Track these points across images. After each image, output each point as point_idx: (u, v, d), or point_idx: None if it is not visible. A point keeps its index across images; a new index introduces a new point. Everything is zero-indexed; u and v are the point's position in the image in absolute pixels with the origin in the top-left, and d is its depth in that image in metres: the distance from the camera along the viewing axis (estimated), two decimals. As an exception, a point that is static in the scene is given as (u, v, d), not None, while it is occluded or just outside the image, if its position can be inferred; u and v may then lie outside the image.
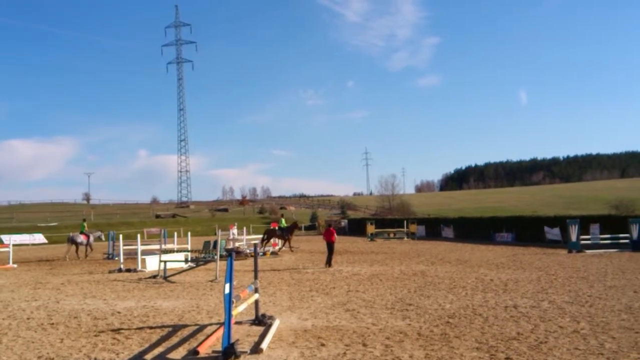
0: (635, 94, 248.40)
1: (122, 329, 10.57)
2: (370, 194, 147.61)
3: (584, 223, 29.40)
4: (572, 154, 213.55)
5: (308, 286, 16.47)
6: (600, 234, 28.75)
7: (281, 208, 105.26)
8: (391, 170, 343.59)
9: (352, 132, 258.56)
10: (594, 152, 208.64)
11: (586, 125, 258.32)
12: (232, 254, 9.25)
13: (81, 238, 31.61)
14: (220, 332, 8.92)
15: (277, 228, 33.97)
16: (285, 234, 32.54)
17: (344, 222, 67.53)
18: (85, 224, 33.72)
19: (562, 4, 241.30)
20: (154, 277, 19.97)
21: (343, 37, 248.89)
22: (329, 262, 22.75)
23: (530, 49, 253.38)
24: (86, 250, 31.86)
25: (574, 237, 27.50)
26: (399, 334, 9.54)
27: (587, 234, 28.71)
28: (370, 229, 47.94)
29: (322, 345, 8.84)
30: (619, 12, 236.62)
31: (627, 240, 27.76)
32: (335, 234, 23.54)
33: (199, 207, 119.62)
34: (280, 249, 32.86)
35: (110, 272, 22.41)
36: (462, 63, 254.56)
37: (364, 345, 8.78)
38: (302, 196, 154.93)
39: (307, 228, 72.48)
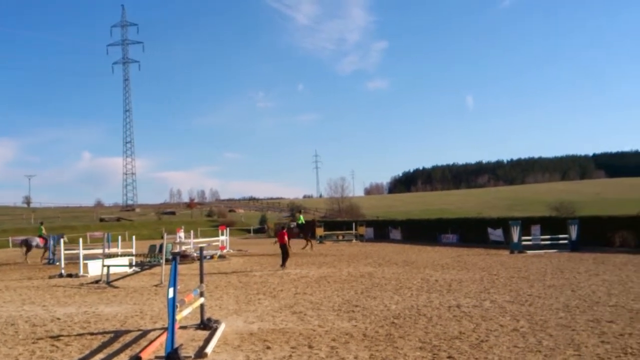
0: (575, 100, 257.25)
1: (61, 335, 10.30)
2: (320, 196, 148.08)
3: (526, 224, 30.27)
4: (515, 158, 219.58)
5: (255, 289, 16.42)
6: (541, 235, 29.66)
7: (230, 211, 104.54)
8: (341, 173, 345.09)
9: (302, 134, 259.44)
10: (536, 156, 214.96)
11: (529, 130, 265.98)
12: (176, 258, 9.16)
13: (37, 241, 30.63)
14: (164, 337, 8.79)
15: (295, 225, 34.28)
16: (304, 231, 32.87)
17: (293, 225, 67.48)
18: (43, 227, 32.66)
19: (510, 9, 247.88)
20: (97, 282, 19.49)
21: (294, 39, 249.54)
22: (284, 263, 22.80)
23: (476, 54, 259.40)
24: (43, 254, 30.83)
25: (515, 238, 28.28)
26: (344, 335, 9.63)
27: (529, 235, 29.56)
28: (319, 231, 48.03)
29: (268, 348, 8.84)
30: (566, 19, 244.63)
31: (566, 241, 28.71)
32: (287, 236, 23.60)
33: (145, 210, 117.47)
34: (304, 247, 33.24)
35: (50, 277, 21.78)
36: (410, 67, 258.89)
37: (310, 347, 8.83)
38: (252, 199, 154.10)
39: (256, 231, 72.21)
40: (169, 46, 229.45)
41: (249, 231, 72.94)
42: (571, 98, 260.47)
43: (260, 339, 9.48)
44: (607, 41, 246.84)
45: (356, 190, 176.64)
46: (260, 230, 72.01)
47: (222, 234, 35.25)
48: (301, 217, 35.73)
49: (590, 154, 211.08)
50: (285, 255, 22.95)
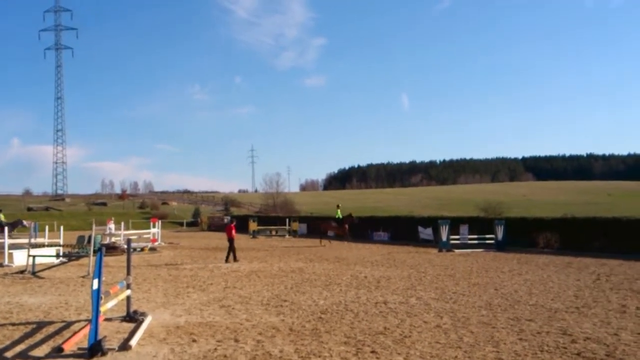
0: (505, 104, 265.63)
1: (-22, 327, 9.87)
2: (256, 191, 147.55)
3: (455, 224, 31.03)
4: (448, 158, 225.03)
5: (185, 282, 16.20)
6: (469, 234, 30.49)
7: (163, 203, 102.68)
8: (277, 168, 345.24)
9: (238, 128, 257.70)
10: (468, 157, 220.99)
11: (462, 131, 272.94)
12: (102, 249, 8.95)
13: None
14: (88, 329, 8.57)
15: (333, 219, 34.14)
16: (341, 225, 32.69)
17: (226, 219, 66.93)
18: (2, 214, 30.99)
19: (447, 10, 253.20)
20: (22, 272, 18.83)
21: (232, 33, 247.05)
22: (228, 258, 22.70)
23: (413, 54, 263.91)
24: None
25: (444, 237, 28.97)
26: (271, 329, 9.63)
27: (457, 234, 30.35)
28: (253, 226, 47.87)
29: (194, 341, 8.76)
30: (502, 22, 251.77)
31: (492, 241, 29.64)
32: (234, 231, 23.55)
33: (76, 200, 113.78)
34: (345, 239, 33.69)
35: (-31, 267, 20.82)
36: (348, 65, 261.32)
37: (236, 340, 8.79)
38: (186, 192, 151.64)
39: (189, 224, 71.20)
40: (105, 34, 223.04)
41: (181, 224, 71.82)
42: (501, 101, 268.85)
43: (187, 332, 9.37)
44: (536, 44, 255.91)
45: (292, 186, 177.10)
46: (194, 224, 71.03)
47: (154, 227, 34.65)
48: (339, 211, 35.41)
49: (520, 157, 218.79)
50: (232, 250, 22.86)
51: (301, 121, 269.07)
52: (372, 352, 8.10)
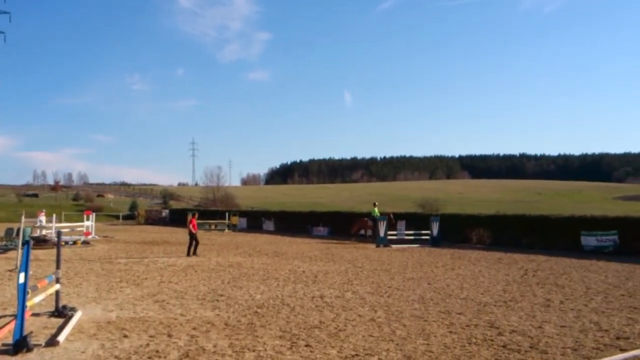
0: (443, 103, 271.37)
1: None
2: (196, 184, 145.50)
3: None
4: (388, 155, 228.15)
5: (118, 277, 15.87)
6: (406, 230, 31.11)
7: (98, 196, 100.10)
8: (218, 162, 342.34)
9: (179, 120, 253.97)
10: (407, 155, 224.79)
11: (402, 129, 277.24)
12: (29, 242, 8.68)
13: None
14: (13, 324, 8.30)
15: (370, 218, 32.91)
16: (377, 224, 31.63)
17: (165, 212, 65.88)
18: None
19: (390, 10, 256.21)
20: (-58, 266, 18.01)
21: (174, 23, 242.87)
22: (192, 252, 22.58)
23: (356, 52, 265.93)
24: None
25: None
26: (206, 324, 9.58)
27: (395, 229, 30.89)
28: (192, 220, 47.27)
29: (125, 336, 8.61)
30: (440, 23, 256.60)
31: (428, 237, 30.33)
32: (194, 225, 23.40)
33: (5, 191, 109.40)
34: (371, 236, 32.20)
35: None
36: (292, 60, 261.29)
37: (169, 335, 8.69)
38: (123, 184, 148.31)
39: (125, 217, 69.71)
40: (40, 19, 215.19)
41: (118, 217, 70.22)
42: (440, 100, 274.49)
43: (118, 328, 9.20)
44: (471, 45, 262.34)
45: (233, 180, 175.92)
46: (130, 217, 69.56)
47: (88, 219, 33.79)
48: (376, 209, 33.65)
49: (457, 155, 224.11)
50: (195, 243, 22.78)
51: (244, 115, 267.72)
52: (307, 345, 8.18)
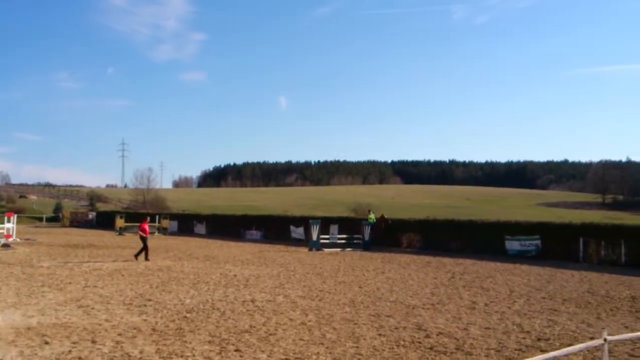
0: (376, 109, 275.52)
1: None
2: (125, 186, 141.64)
3: (325, 223, 31.76)
4: (322, 160, 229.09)
5: (40, 281, 15.24)
6: (338, 234, 31.32)
7: (21, 197, 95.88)
8: (149, 163, 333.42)
9: (109, 120, 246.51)
10: (341, 159, 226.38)
11: (336, 134, 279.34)
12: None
13: None
14: None
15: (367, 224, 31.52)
16: (376, 230, 30.97)
17: (91, 215, 63.82)
18: None
19: (325, 16, 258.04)
20: None
21: (106, 20, 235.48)
22: (139, 255, 21.98)
23: (291, 56, 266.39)
24: None
25: (314, 236, 29.54)
26: (132, 329, 9.32)
27: (328, 233, 31.06)
28: (120, 222, 46.08)
29: (46, 343, 8.28)
30: (376, 31, 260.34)
31: (360, 241, 30.65)
32: (147, 228, 22.89)
33: None
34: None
35: None
36: (227, 62, 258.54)
37: (93, 342, 8.41)
38: (48, 185, 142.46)
39: (49, 219, 67.12)
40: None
41: (41, 219, 67.45)
42: (373, 106, 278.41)
43: (39, 334, 8.83)
44: (406, 54, 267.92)
45: (165, 183, 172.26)
46: (54, 219, 66.97)
47: (9, 221, 32.34)
48: (372, 215, 32.79)
49: (389, 160, 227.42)
50: (145, 247, 22.17)
51: (177, 116, 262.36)
52: (236, 350, 8.09)
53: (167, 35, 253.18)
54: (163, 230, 46.54)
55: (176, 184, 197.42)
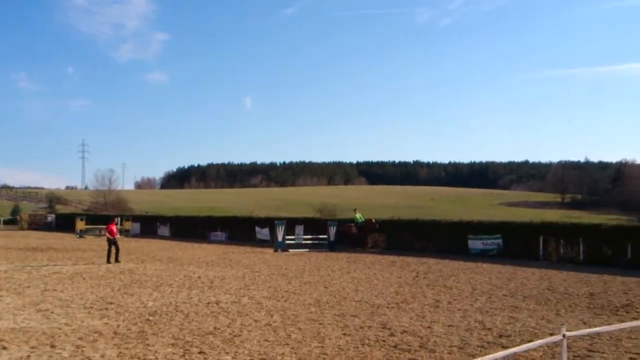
0: (341, 110, 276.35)
1: None
2: (86, 188, 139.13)
3: (290, 224, 31.72)
4: (287, 161, 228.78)
5: (-2, 286, 14.85)
6: (304, 234, 31.31)
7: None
8: (111, 165, 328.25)
9: (69, 121, 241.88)
10: (306, 160, 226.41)
11: (301, 135, 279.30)
12: None
13: None
14: None
15: (354, 224, 30.65)
16: (362, 230, 30.04)
17: (50, 217, 62.47)
18: None
19: (293, 16, 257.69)
20: None
21: (67, 19, 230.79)
22: (115, 259, 21.66)
23: (258, 57, 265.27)
24: None
25: (280, 237, 29.48)
26: (93, 333, 9.15)
27: (293, 234, 31.02)
28: (80, 225, 45.20)
29: (4, 348, 8.08)
30: (341, 33, 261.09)
31: (325, 241, 30.69)
32: (114, 230, 22.55)
33: None
34: (363, 248, 29.96)
35: None
36: (191, 62, 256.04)
37: (52, 346, 8.23)
38: (5, 187, 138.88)
39: (7, 222, 65.47)
40: None
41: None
42: (339, 108, 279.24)
43: (-4, 340, 8.60)
44: (369, 55, 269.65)
45: (126, 184, 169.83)
46: (12, 222, 65.32)
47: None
48: (358, 215, 31.43)
49: (355, 161, 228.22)
50: (115, 249, 21.87)
51: (140, 117, 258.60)
52: (200, 352, 8.02)
53: (130, 35, 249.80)
54: (125, 233, 45.80)
55: (138, 185, 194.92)
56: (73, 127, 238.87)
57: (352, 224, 31.32)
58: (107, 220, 50.57)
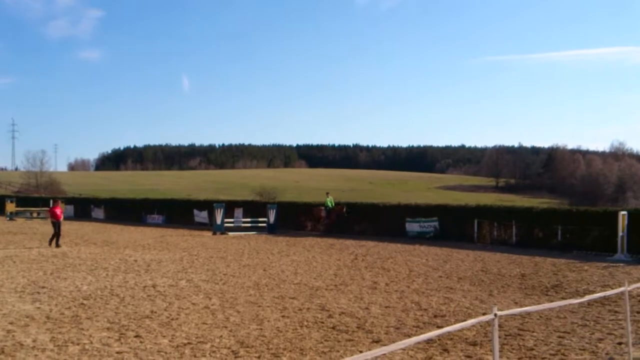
0: (281, 93, 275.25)
1: None
2: (16, 169, 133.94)
3: (230, 207, 31.50)
4: (227, 143, 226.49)
5: None
6: (243, 217, 31.15)
7: None
8: (42, 145, 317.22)
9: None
10: (246, 143, 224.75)
11: (241, 117, 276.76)
12: None
13: None
14: None
15: (324, 209, 28.94)
16: (330, 215, 28.55)
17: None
18: None
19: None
20: None
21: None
22: (52, 242, 20.98)
23: (195, 36, 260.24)
24: None
25: (219, 220, 29.22)
26: (25, 318, 8.89)
27: (232, 217, 30.82)
28: (10, 207, 43.48)
29: None
30: (284, 16, 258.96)
31: (265, 224, 30.62)
32: (59, 212, 21.85)
33: None
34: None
35: None
36: (126, 40, 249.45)
37: (-19, 332, 7.94)
38: None
39: None
40: None
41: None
42: (277, 91, 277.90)
43: None
44: (308, 38, 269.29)
45: (59, 166, 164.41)
46: None
47: None
48: (329, 199, 29.74)
49: (295, 144, 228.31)
50: (58, 233, 21.17)
51: (73, 96, 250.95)
52: (137, 336, 7.90)
53: (61, 11, 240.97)
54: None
55: (72, 167, 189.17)
56: (1, 105, 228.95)
57: (322, 208, 30.21)
58: (39, 202, 49.08)
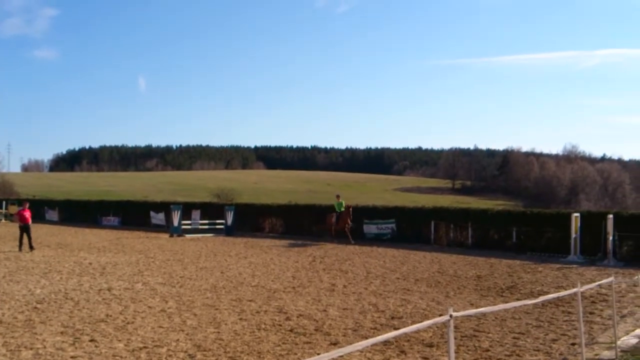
0: (239, 94, 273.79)
1: None
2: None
3: (187, 209, 31.23)
4: (184, 144, 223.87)
5: None
6: (201, 219, 30.92)
7: None
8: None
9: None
10: (203, 144, 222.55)
11: (198, 118, 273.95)
12: None
13: None
14: None
15: (335, 212, 26.05)
16: (342, 218, 25.55)
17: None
18: None
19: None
20: None
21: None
22: (22, 246, 20.35)
23: (152, 37, 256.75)
24: None
25: (175, 222, 28.94)
26: (-26, 323, 8.67)
27: (190, 219, 30.55)
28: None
29: None
30: (243, 16, 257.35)
31: (222, 226, 30.46)
32: (28, 215, 21.16)
33: None
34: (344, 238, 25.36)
35: None
36: (82, 39, 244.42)
37: None
38: None
39: None
40: None
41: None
42: (235, 91, 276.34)
43: None
44: (266, 39, 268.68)
45: (12, 166, 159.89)
46: None
47: None
48: (339, 202, 26.52)
49: (253, 146, 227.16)
50: (28, 237, 20.54)
51: (26, 95, 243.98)
52: (91, 340, 7.81)
53: (15, 9, 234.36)
54: (10, 217, 43.27)
55: (25, 168, 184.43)
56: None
57: (334, 213, 26.70)
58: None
